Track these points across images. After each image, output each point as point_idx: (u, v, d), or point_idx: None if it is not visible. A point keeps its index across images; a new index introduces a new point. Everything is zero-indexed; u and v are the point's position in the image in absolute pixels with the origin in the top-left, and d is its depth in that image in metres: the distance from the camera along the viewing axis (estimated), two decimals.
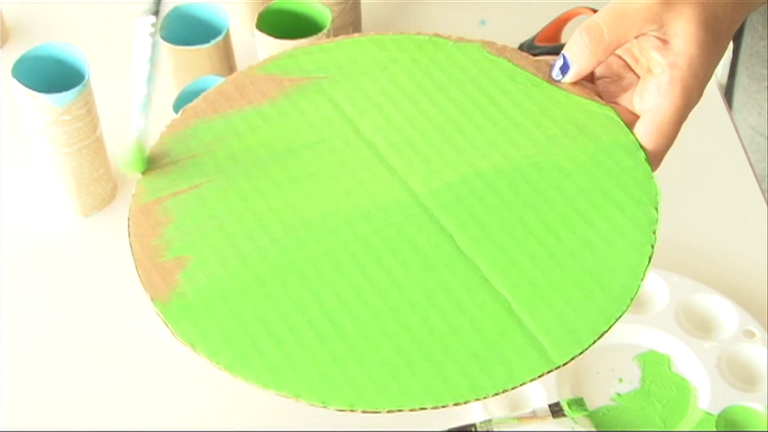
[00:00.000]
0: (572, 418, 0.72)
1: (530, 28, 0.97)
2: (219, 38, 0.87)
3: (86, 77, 0.80)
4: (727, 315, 0.78)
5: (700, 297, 0.79)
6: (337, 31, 0.96)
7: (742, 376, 0.76)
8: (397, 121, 0.65)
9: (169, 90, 0.89)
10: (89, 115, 0.81)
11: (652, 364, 0.76)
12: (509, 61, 0.68)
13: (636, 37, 0.62)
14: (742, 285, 0.81)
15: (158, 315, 0.56)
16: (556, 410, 0.72)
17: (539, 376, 0.54)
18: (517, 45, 0.97)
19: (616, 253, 0.59)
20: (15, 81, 0.79)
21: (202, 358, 0.55)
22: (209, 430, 0.74)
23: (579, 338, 0.55)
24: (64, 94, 0.78)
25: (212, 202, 0.61)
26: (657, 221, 0.60)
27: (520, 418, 0.72)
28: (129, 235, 0.60)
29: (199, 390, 0.76)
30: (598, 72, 0.67)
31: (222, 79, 0.70)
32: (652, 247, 0.59)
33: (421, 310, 0.56)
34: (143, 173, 0.63)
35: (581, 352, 0.55)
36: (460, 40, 0.69)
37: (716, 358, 0.76)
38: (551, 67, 0.66)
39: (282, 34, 0.83)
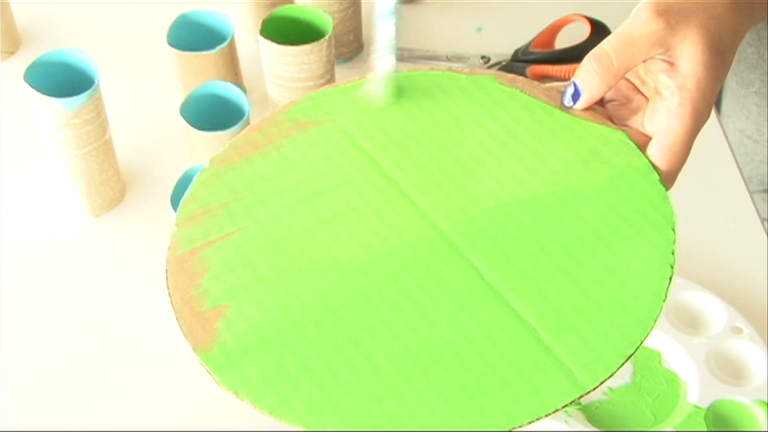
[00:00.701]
0: (566, 412, 0.73)
1: (525, 34, 0.98)
2: (224, 44, 0.88)
3: (96, 82, 0.80)
4: (715, 312, 0.79)
5: (689, 295, 0.80)
6: (339, 37, 0.96)
7: (730, 371, 0.76)
8: (417, 157, 0.65)
9: (176, 94, 0.90)
10: (99, 118, 0.82)
11: (643, 359, 0.77)
12: (521, 91, 0.68)
13: (643, 61, 0.63)
14: (730, 283, 0.82)
15: (201, 364, 0.56)
16: None
17: (571, 402, 0.54)
18: (512, 50, 0.98)
19: (637, 276, 0.59)
20: (27, 86, 0.79)
21: (246, 403, 0.55)
22: (210, 430, 0.73)
23: (607, 362, 0.55)
24: (74, 98, 0.79)
25: (246, 249, 0.61)
26: (675, 242, 0.60)
27: None
28: (168, 288, 0.60)
29: (201, 390, 0.75)
30: (607, 96, 0.67)
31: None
32: (672, 267, 0.59)
33: (453, 344, 0.57)
34: (393, 101, 0.66)
35: (610, 376, 0.55)
36: (472, 73, 0.69)
37: (705, 353, 0.76)
38: (562, 94, 0.66)
39: (285, 41, 0.84)
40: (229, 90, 0.84)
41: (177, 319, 0.58)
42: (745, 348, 0.77)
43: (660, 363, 0.77)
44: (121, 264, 0.83)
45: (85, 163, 0.83)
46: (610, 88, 0.64)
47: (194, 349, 0.57)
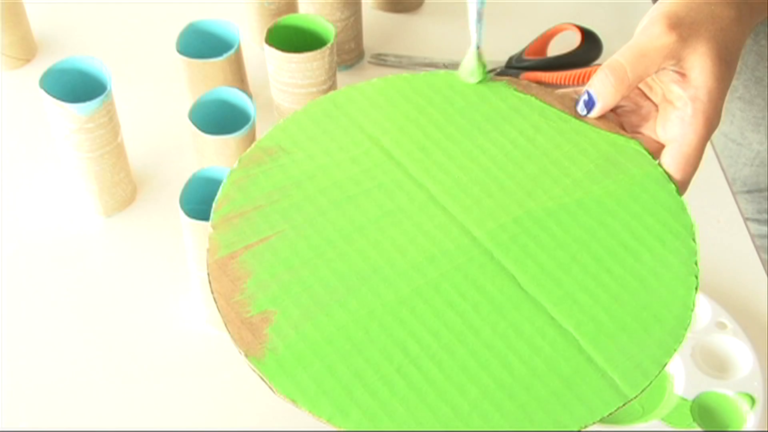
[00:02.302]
0: None
1: (519, 42, 0.97)
2: (231, 52, 0.87)
3: (108, 88, 0.80)
4: (701, 308, 0.79)
5: None
6: (340, 45, 0.96)
7: (715, 365, 0.76)
8: (443, 162, 0.64)
9: (184, 100, 0.90)
10: (111, 122, 0.81)
11: None
12: (536, 97, 0.68)
13: (655, 72, 0.63)
14: (715, 281, 0.82)
15: (254, 371, 0.55)
16: None
17: (616, 410, 0.54)
18: (506, 58, 0.97)
19: (665, 285, 0.58)
20: (42, 92, 0.79)
21: (304, 411, 0.54)
22: (211, 430, 0.73)
23: (645, 371, 0.55)
24: (87, 103, 0.79)
25: (285, 253, 0.60)
26: (696, 252, 0.60)
27: None
28: (212, 292, 0.58)
29: (211, 390, 0.75)
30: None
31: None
32: (696, 278, 0.59)
33: (499, 352, 0.56)
34: (481, 80, 0.68)
35: (649, 384, 0.55)
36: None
37: (691, 348, 0.76)
38: (575, 102, 0.66)
39: (289, 49, 0.84)
40: (235, 95, 0.83)
41: (225, 324, 0.57)
42: (730, 343, 0.77)
43: None
44: (132, 261, 0.83)
45: (98, 165, 0.83)
46: (623, 98, 0.64)
47: (246, 356, 0.55)
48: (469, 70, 0.68)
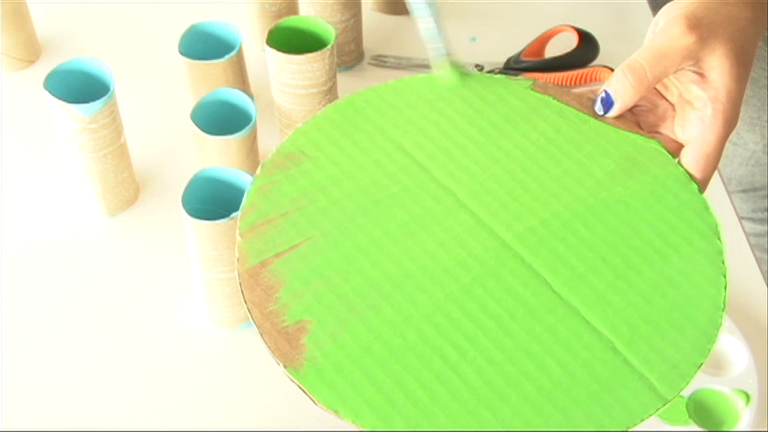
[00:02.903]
0: None
1: (517, 44, 0.98)
2: (232, 53, 0.87)
3: (111, 89, 0.80)
4: None
5: None
6: (340, 47, 0.96)
7: (711, 362, 0.76)
8: (466, 165, 0.63)
9: (186, 100, 0.90)
10: (114, 123, 0.81)
11: None
12: (554, 97, 0.67)
13: (674, 72, 0.63)
14: None
15: (293, 382, 0.54)
16: None
17: (655, 412, 0.54)
18: (505, 59, 0.97)
19: (695, 286, 0.58)
20: (46, 93, 0.79)
21: (347, 422, 0.53)
22: (211, 430, 0.73)
23: (681, 372, 0.55)
24: (91, 104, 0.78)
25: (316, 261, 0.59)
26: (723, 251, 0.59)
27: None
28: (245, 302, 0.57)
29: (213, 390, 0.75)
30: None
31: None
32: (725, 277, 0.58)
33: (536, 356, 0.55)
34: (458, 80, 0.67)
35: (685, 386, 0.54)
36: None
37: None
38: (593, 101, 0.66)
39: (290, 50, 0.84)
40: (237, 96, 0.83)
41: (261, 335, 0.56)
42: (725, 340, 0.77)
43: None
44: (135, 260, 0.83)
45: (101, 165, 0.82)
46: (641, 98, 0.64)
47: (285, 367, 0.54)
48: (445, 75, 0.68)
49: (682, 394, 0.72)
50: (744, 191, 1.20)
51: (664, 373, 0.54)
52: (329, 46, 0.83)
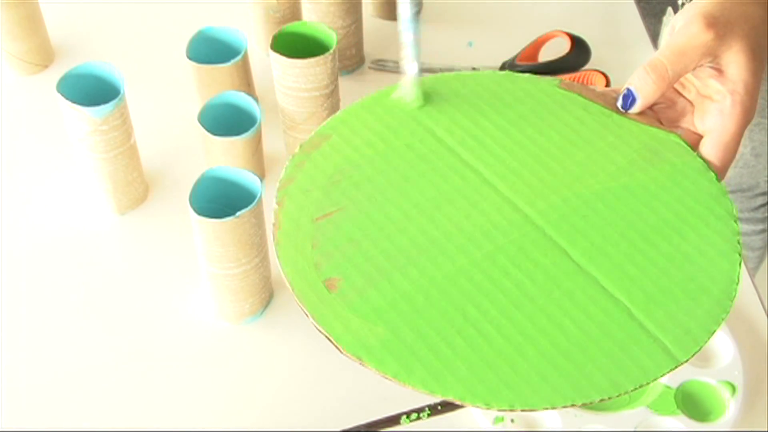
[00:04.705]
0: None
1: (512, 48, 0.98)
2: (238, 58, 0.88)
3: (121, 92, 0.80)
4: None
5: None
6: (342, 51, 0.96)
7: (698, 355, 0.76)
8: (494, 150, 0.65)
9: (194, 103, 0.90)
10: (124, 125, 0.82)
11: None
12: (579, 94, 0.68)
13: (693, 69, 0.63)
14: None
15: (321, 332, 0.56)
16: None
17: (668, 372, 0.55)
18: (500, 63, 0.98)
19: (710, 261, 0.59)
20: (59, 96, 0.79)
21: (371, 369, 0.54)
22: (211, 430, 0.73)
23: (695, 337, 0.56)
24: (102, 106, 0.79)
25: (347, 227, 0.61)
26: (739, 233, 0.60)
27: None
28: (278, 258, 0.59)
29: (213, 385, 0.75)
30: None
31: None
32: (740, 255, 0.59)
33: (554, 317, 0.56)
34: (421, 104, 0.67)
35: (698, 350, 0.55)
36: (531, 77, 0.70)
37: None
38: (616, 98, 0.67)
39: (294, 54, 0.84)
40: (242, 99, 0.84)
41: (292, 289, 0.58)
42: None
43: None
44: (145, 257, 0.83)
45: (112, 165, 0.83)
46: (663, 94, 0.65)
47: (313, 318, 0.56)
48: (409, 95, 0.68)
49: (670, 385, 0.73)
50: (732, 192, 1.20)
51: (677, 336, 0.55)
52: (331, 51, 0.83)
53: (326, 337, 0.55)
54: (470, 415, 0.72)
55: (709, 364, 0.75)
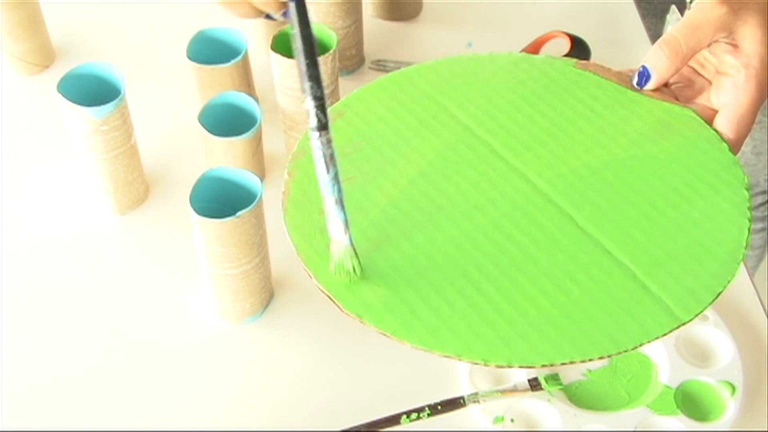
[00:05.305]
0: (548, 391, 0.72)
1: (512, 49, 0.97)
2: (239, 58, 0.87)
3: (122, 92, 0.80)
4: None
5: None
6: (342, 52, 0.96)
7: (697, 354, 0.76)
8: (506, 124, 0.66)
9: (194, 103, 0.90)
10: (125, 125, 0.81)
11: None
12: (594, 73, 0.69)
13: (708, 45, 0.63)
14: None
15: (323, 291, 0.56)
16: (534, 384, 0.72)
17: (670, 331, 0.54)
18: None
19: (718, 226, 0.59)
20: (60, 96, 0.79)
21: (370, 327, 0.54)
22: (211, 430, 0.72)
23: (699, 298, 0.55)
24: (102, 107, 0.78)
25: (355, 195, 0.61)
26: (749, 200, 0.60)
27: (502, 392, 0.72)
28: (285, 225, 0.60)
29: (214, 385, 0.75)
30: (672, 79, 0.67)
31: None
32: (749, 220, 0.59)
33: (556, 278, 0.56)
34: (355, 280, 0.57)
35: (702, 310, 0.55)
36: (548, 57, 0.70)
37: (674, 338, 0.76)
38: (631, 77, 0.67)
39: (294, 54, 0.83)
40: (243, 99, 0.83)
41: (297, 252, 0.58)
42: (711, 333, 0.76)
43: None
44: (145, 257, 0.83)
45: (112, 165, 0.82)
46: (677, 70, 0.65)
47: (316, 277, 0.57)
48: (346, 266, 0.57)
49: (670, 385, 0.73)
50: None
51: (681, 297, 0.55)
52: (331, 51, 0.83)
53: (327, 296, 0.56)
54: (470, 415, 0.72)
55: (709, 364, 0.75)
